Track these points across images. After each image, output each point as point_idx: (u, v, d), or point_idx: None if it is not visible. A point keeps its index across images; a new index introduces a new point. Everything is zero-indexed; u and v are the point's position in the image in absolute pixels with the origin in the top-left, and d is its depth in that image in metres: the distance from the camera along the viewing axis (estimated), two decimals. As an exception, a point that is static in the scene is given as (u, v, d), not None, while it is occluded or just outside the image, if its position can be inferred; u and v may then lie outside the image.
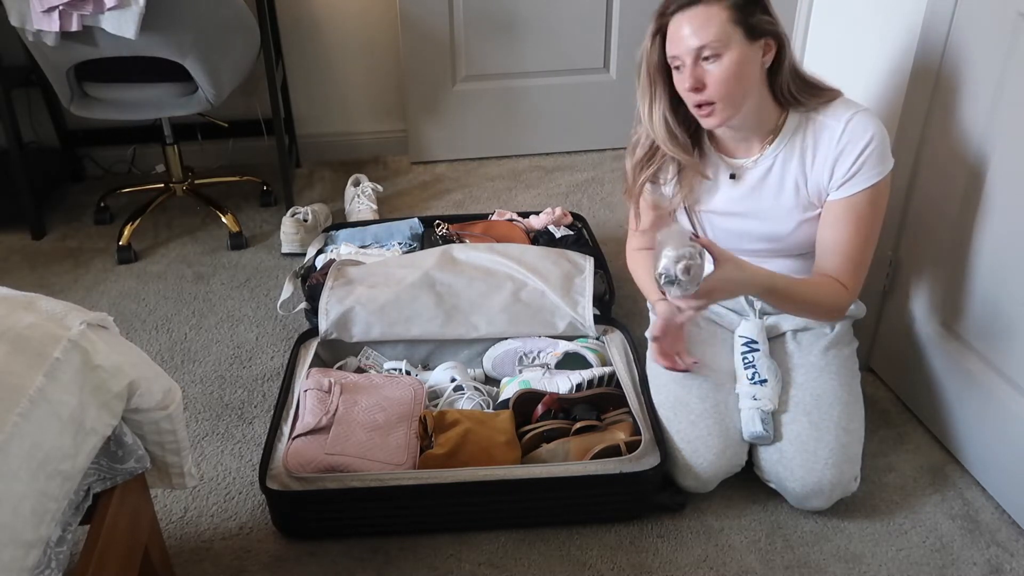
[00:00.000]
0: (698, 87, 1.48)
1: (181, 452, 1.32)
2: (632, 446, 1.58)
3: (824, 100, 1.54)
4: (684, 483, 1.60)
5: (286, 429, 1.63)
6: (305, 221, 2.54)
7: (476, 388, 1.79)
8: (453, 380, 1.80)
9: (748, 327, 1.69)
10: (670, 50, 1.49)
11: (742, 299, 1.71)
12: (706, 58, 1.45)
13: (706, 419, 1.57)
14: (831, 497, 1.56)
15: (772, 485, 1.61)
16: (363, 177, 2.75)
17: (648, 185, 1.71)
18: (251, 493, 1.69)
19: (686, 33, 1.45)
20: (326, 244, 2.30)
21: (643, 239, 1.84)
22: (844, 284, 1.57)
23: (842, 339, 1.70)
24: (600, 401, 1.73)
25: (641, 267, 1.84)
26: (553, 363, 1.84)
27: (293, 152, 3.02)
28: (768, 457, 1.58)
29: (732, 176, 1.62)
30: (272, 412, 1.76)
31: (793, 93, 1.52)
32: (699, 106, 1.50)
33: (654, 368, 1.71)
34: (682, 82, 1.49)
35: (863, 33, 1.91)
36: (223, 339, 2.16)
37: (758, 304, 1.70)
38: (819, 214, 1.58)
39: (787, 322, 1.72)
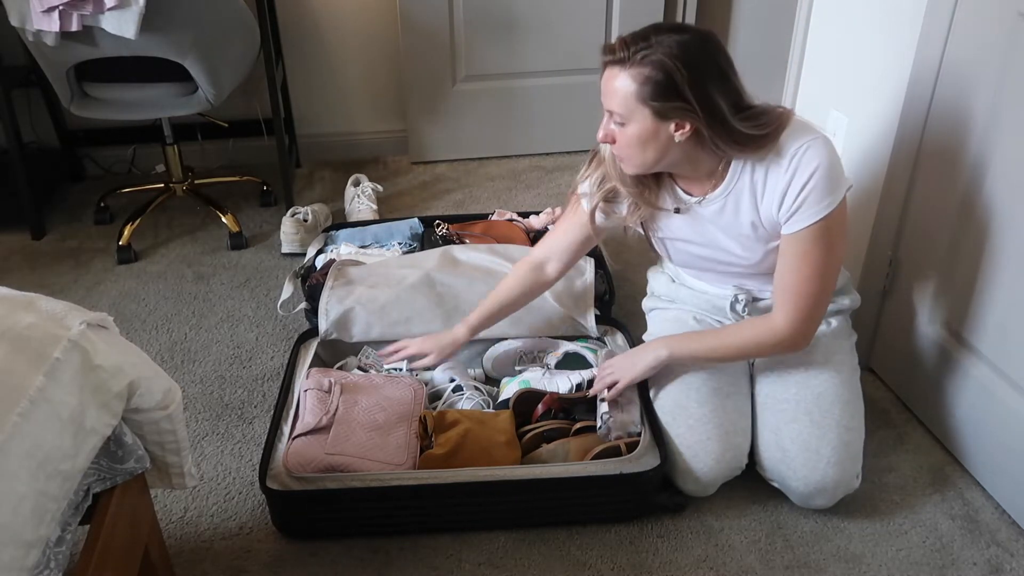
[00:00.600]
0: (606, 140, 1.50)
1: (181, 452, 1.32)
2: (632, 446, 1.58)
3: (771, 140, 1.45)
4: (684, 487, 1.60)
5: (286, 429, 1.63)
6: (305, 221, 2.54)
7: (476, 388, 1.79)
8: (452, 380, 1.80)
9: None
10: None
11: (727, 307, 1.70)
12: (616, 120, 1.46)
13: (705, 424, 1.57)
14: (834, 495, 1.56)
15: (775, 484, 1.61)
16: (363, 177, 2.76)
17: (601, 205, 1.66)
18: (251, 493, 1.69)
19: (602, 90, 1.45)
20: (326, 244, 2.30)
21: (540, 250, 1.79)
22: (782, 321, 1.53)
23: (840, 334, 1.70)
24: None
25: (510, 278, 1.80)
26: (553, 363, 1.84)
27: (293, 152, 3.02)
28: (771, 456, 1.58)
29: (676, 210, 1.60)
30: (272, 412, 1.75)
31: (725, 149, 1.46)
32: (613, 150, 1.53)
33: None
34: (600, 127, 1.50)
35: (863, 34, 1.91)
36: (223, 339, 2.16)
37: (745, 312, 1.70)
38: None
39: None
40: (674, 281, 1.82)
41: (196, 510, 1.65)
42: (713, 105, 1.39)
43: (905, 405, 1.87)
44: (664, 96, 1.38)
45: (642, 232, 1.71)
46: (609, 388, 1.65)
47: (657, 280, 1.88)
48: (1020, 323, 1.53)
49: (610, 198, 1.64)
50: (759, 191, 1.50)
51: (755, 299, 1.69)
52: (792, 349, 1.58)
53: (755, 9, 3.07)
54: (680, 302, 1.80)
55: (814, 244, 1.48)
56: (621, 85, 1.40)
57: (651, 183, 1.59)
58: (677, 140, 1.43)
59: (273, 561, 1.55)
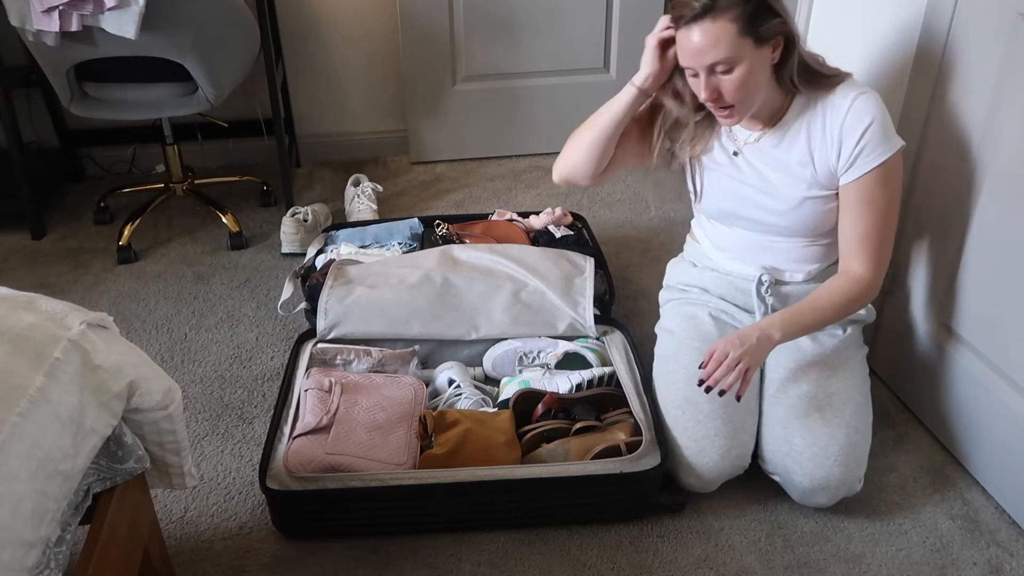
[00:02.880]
0: (714, 97, 1.50)
1: (181, 452, 1.32)
2: (632, 446, 1.58)
3: (831, 84, 1.54)
4: (686, 481, 1.60)
5: (286, 429, 1.63)
6: (305, 221, 2.54)
7: (476, 388, 1.80)
8: (452, 381, 1.80)
9: None
10: (682, 60, 1.50)
11: (751, 288, 1.71)
12: (721, 69, 1.47)
13: (714, 419, 1.57)
14: (836, 495, 1.56)
15: (776, 478, 1.61)
16: (363, 177, 2.75)
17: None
18: (251, 493, 1.69)
19: (697, 49, 1.45)
20: (326, 244, 2.30)
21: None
22: (863, 270, 1.58)
23: (855, 341, 1.71)
24: (600, 401, 1.73)
25: (587, 127, 1.73)
26: (553, 363, 1.84)
27: (293, 152, 3.02)
28: (776, 449, 1.58)
29: (735, 153, 1.64)
30: (272, 412, 1.76)
31: (798, 83, 1.53)
32: (718, 108, 1.53)
33: (664, 366, 1.71)
34: (699, 91, 1.51)
35: (862, 34, 1.91)
36: (223, 339, 2.16)
37: (770, 299, 1.70)
38: (826, 196, 1.58)
39: None
40: (696, 266, 1.82)
41: (196, 510, 1.65)
42: (791, 22, 1.47)
43: (905, 405, 1.87)
44: (762, 18, 1.43)
45: (686, 166, 1.73)
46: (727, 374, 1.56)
47: (678, 268, 1.87)
48: (1020, 323, 1.53)
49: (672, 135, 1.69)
50: (816, 131, 1.55)
51: (778, 282, 1.70)
52: (871, 297, 1.61)
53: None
54: (702, 288, 1.80)
55: (878, 188, 1.53)
56: (720, 32, 1.43)
57: (706, 116, 1.64)
58: (774, 62, 1.49)
59: (273, 561, 1.55)
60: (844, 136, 1.52)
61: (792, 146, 1.58)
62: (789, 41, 1.48)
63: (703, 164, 1.70)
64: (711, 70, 1.46)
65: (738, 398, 1.54)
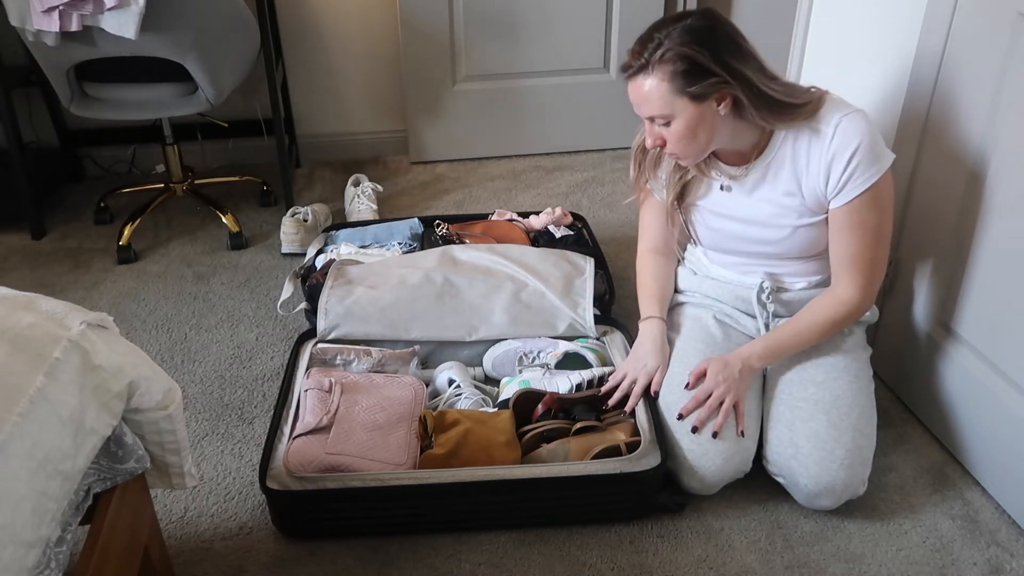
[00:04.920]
0: (659, 144, 1.55)
1: (181, 452, 1.32)
2: (632, 446, 1.58)
3: (808, 112, 1.51)
4: (688, 484, 1.60)
5: (286, 429, 1.63)
6: (305, 221, 2.54)
7: (476, 388, 1.80)
8: (452, 381, 1.80)
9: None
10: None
11: (751, 296, 1.71)
12: (659, 123, 1.51)
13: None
14: (840, 498, 1.56)
15: (780, 480, 1.61)
16: (363, 177, 2.76)
17: (651, 181, 1.75)
18: (251, 493, 1.69)
19: (635, 102, 1.51)
20: (326, 244, 2.30)
21: (649, 241, 1.86)
22: (853, 292, 1.59)
23: (859, 343, 1.71)
24: (600, 401, 1.72)
25: (646, 273, 1.84)
26: (553, 363, 1.84)
27: (293, 152, 3.02)
28: (782, 452, 1.58)
29: (721, 188, 1.65)
30: (272, 412, 1.76)
31: (764, 122, 1.51)
32: (668, 152, 1.57)
33: (668, 368, 1.71)
34: (646, 136, 1.55)
35: (862, 34, 1.91)
36: (223, 339, 2.16)
37: (771, 306, 1.70)
38: (819, 220, 1.59)
39: None
40: (696, 274, 1.83)
41: (196, 510, 1.65)
42: (740, 72, 1.44)
43: (905, 405, 1.87)
44: (696, 79, 1.43)
45: (678, 215, 1.76)
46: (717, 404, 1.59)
47: (679, 275, 1.88)
48: (1020, 323, 1.53)
49: (655, 171, 1.72)
50: (801, 162, 1.54)
51: (779, 289, 1.71)
52: (859, 317, 1.64)
53: (755, 9, 3.07)
54: (702, 295, 1.80)
55: (869, 211, 1.53)
56: (652, 88, 1.46)
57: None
58: (722, 114, 1.48)
59: (273, 561, 1.55)
60: (832, 163, 1.50)
61: (777, 177, 1.58)
62: (737, 93, 1.46)
63: (697, 209, 1.72)
64: (652, 120, 1.51)
65: (742, 434, 1.58)
